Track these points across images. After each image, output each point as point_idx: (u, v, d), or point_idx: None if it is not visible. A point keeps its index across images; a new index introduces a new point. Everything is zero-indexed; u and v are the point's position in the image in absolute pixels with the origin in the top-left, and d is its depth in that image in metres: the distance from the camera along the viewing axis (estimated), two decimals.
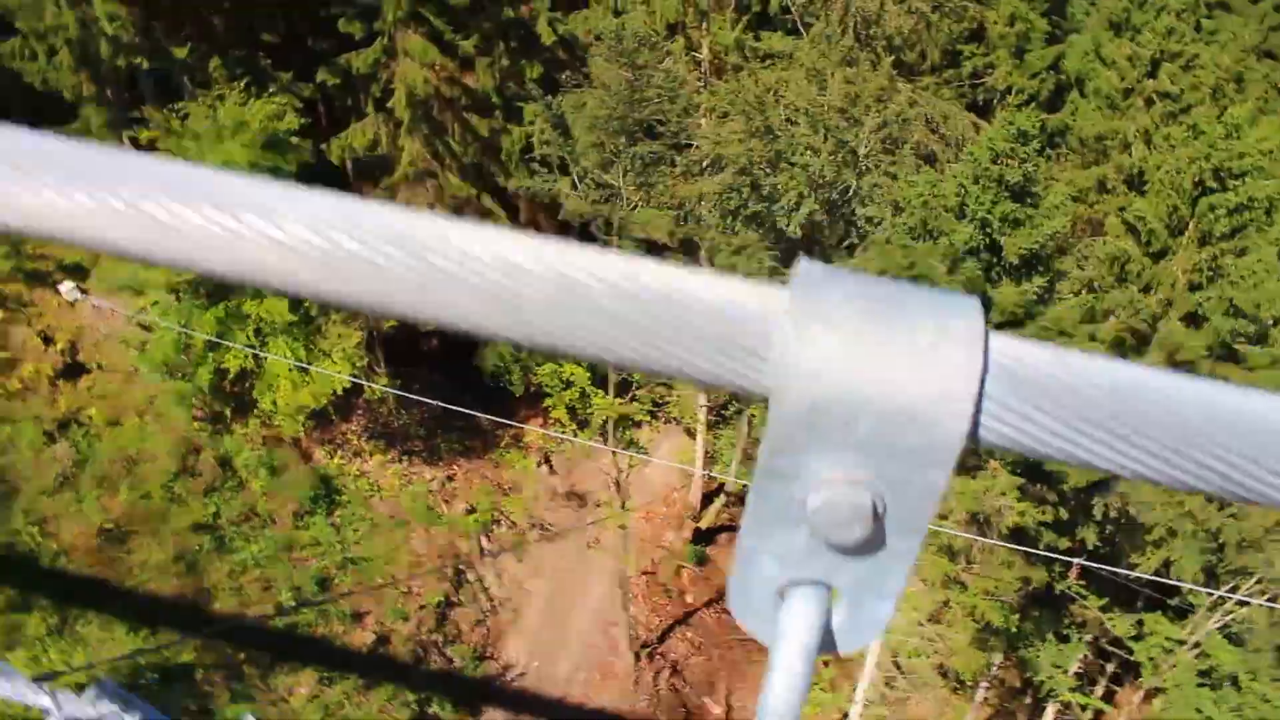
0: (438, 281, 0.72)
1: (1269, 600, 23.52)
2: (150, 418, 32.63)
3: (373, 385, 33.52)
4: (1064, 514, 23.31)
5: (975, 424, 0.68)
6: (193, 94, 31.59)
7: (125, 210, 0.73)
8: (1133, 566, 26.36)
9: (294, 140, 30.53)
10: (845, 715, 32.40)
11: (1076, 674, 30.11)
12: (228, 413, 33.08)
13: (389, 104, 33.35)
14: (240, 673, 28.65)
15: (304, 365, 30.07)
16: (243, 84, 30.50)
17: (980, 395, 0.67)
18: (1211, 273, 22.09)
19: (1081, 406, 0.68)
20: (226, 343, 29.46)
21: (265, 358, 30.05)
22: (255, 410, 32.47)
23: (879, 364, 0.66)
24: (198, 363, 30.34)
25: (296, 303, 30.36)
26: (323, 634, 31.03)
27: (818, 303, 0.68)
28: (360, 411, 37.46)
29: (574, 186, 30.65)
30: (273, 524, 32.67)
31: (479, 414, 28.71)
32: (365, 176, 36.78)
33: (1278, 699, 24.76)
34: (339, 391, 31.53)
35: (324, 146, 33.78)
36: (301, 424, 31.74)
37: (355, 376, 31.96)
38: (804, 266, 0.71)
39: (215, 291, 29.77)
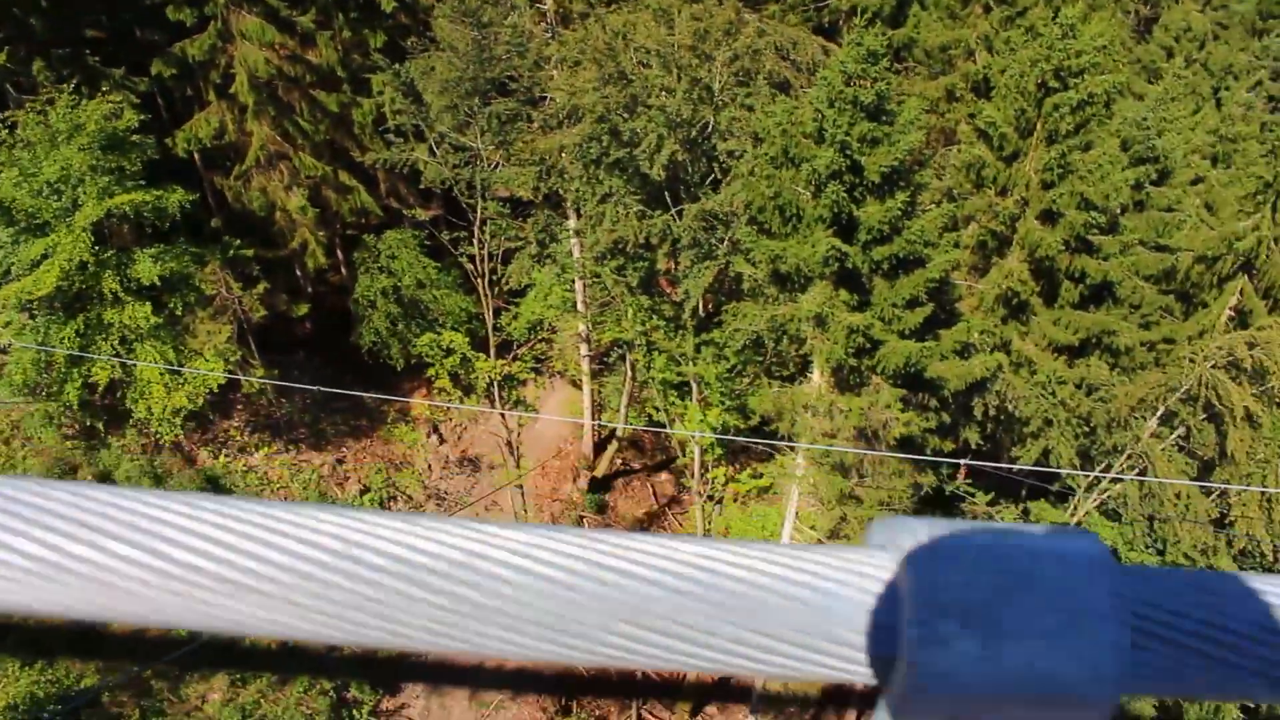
0: (474, 610, 0.62)
1: (1139, 474, 24.88)
2: (18, 443, 31.28)
3: (249, 378, 32.71)
4: (946, 418, 24.14)
5: (1123, 684, 0.63)
6: (19, 101, 30.04)
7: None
8: (1014, 459, 27.54)
9: (135, 138, 29.30)
10: None
11: None
12: (101, 426, 31.90)
13: (231, 89, 32.25)
14: (148, 689, 27.92)
15: (176, 368, 29.16)
16: (72, 85, 29.10)
17: (1128, 660, 0.63)
18: (1061, 170, 22.91)
19: (1230, 642, 0.65)
20: (90, 355, 28.35)
21: (134, 365, 29.04)
22: (130, 420, 31.41)
23: (1021, 655, 0.61)
24: (62, 379, 29.16)
25: (159, 304, 29.37)
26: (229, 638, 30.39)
27: (938, 591, 0.62)
28: (240, 406, 36.58)
29: (431, 153, 30.18)
30: None
31: (361, 393, 28.28)
32: (215, 166, 35.62)
33: (1152, 564, 26.22)
34: (215, 389, 30.70)
35: (168, 140, 32.53)
36: (180, 427, 30.82)
37: (230, 372, 31.16)
38: (907, 541, 0.64)
39: (71, 304, 28.61)
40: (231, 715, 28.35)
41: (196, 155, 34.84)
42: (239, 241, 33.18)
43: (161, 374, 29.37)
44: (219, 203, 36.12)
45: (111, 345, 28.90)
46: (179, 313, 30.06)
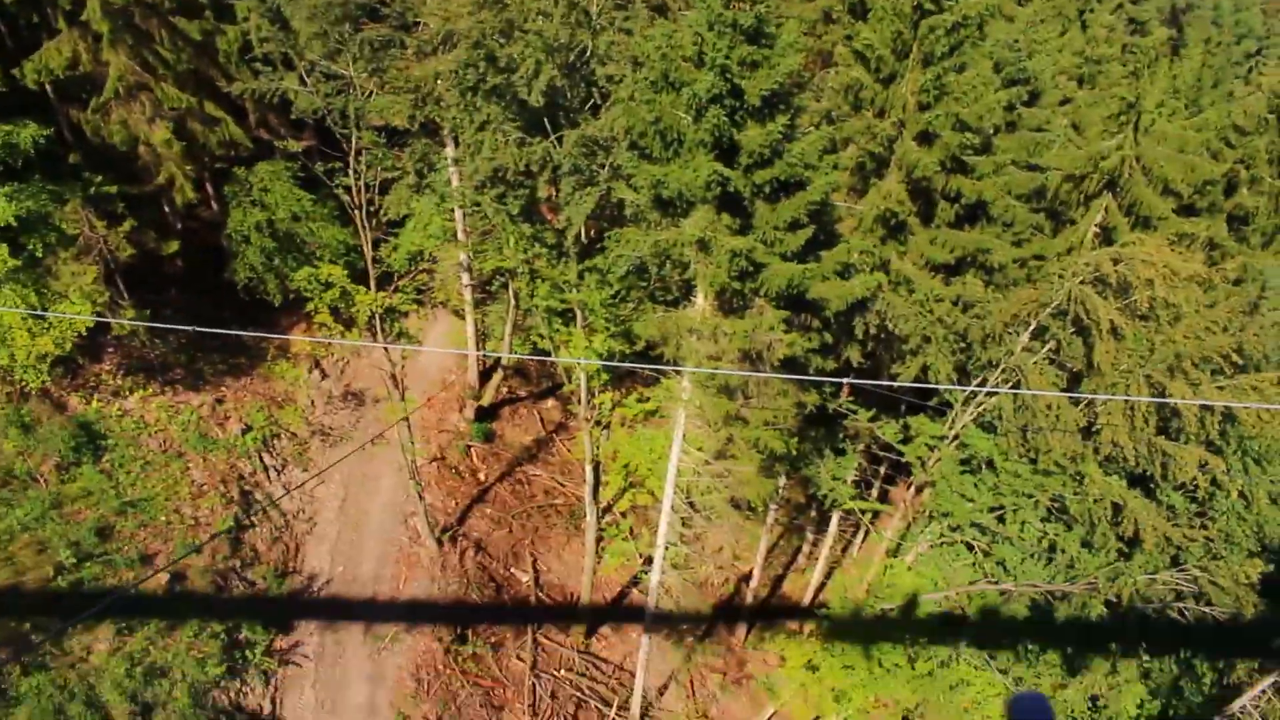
0: None
1: (1013, 387, 25.78)
2: None
3: (119, 320, 31.54)
4: (829, 338, 24.58)
5: None
6: None
7: None
8: (894, 376, 28.27)
9: None
10: (649, 559, 33.83)
11: (854, 482, 32.31)
12: None
13: (83, 16, 30.51)
14: (28, 643, 27.16)
15: (39, 312, 27.97)
16: None
17: None
18: (937, 91, 23.26)
19: None
20: None
21: None
22: None
23: None
24: None
25: (17, 246, 28.05)
26: (113, 584, 29.68)
27: None
28: (111, 349, 35.32)
29: (302, 81, 29.12)
30: (35, 483, 30.69)
31: (238, 331, 27.51)
32: (71, 99, 33.86)
33: (1025, 472, 27.38)
34: (83, 332, 29.58)
35: (16, 72, 30.71)
36: (47, 373, 29.66)
37: (98, 314, 30.02)
38: None
39: None
40: (119, 664, 27.79)
41: (49, 87, 33.03)
42: (101, 178, 31.75)
43: (24, 318, 28.17)
44: (77, 137, 34.40)
45: None
46: (39, 254, 28.76)
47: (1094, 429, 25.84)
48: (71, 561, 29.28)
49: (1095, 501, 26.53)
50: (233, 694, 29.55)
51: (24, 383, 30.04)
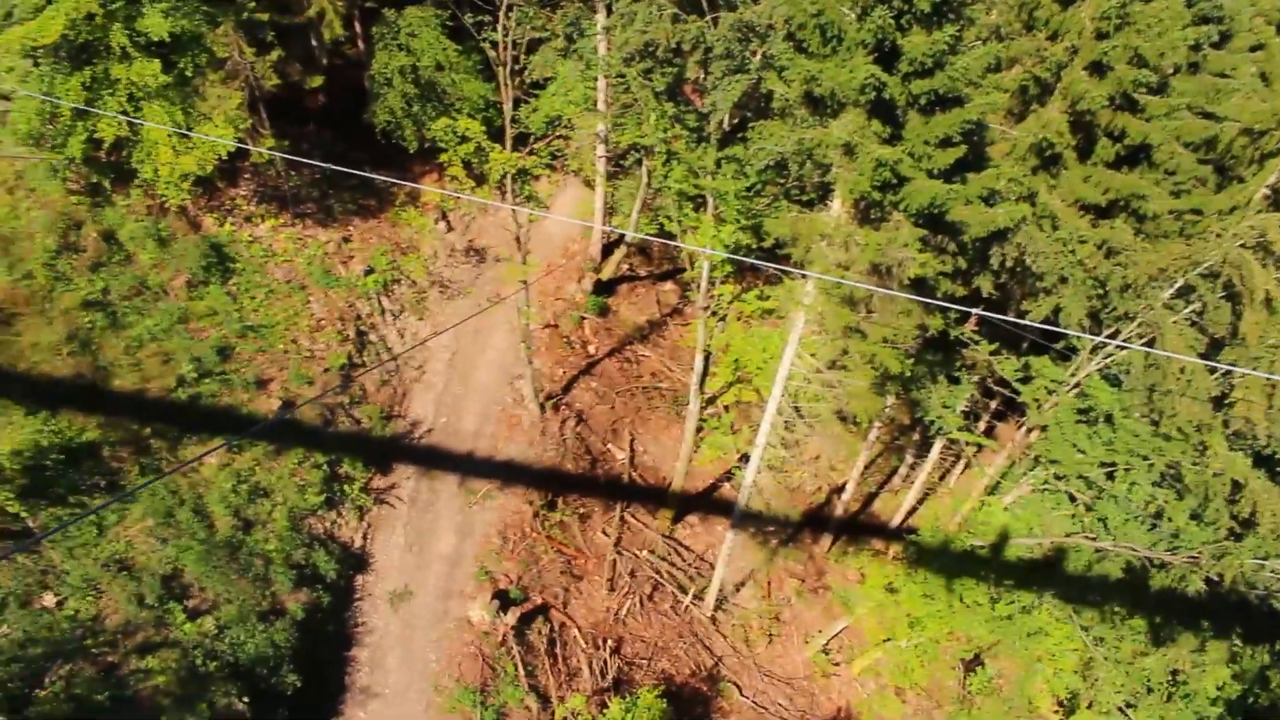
0: None
1: (1146, 344, 24.63)
2: (21, 193, 30.91)
3: (259, 149, 32.02)
4: (962, 263, 23.72)
5: None
6: None
7: None
8: (1023, 313, 27.26)
9: None
10: (745, 456, 33.81)
11: (963, 413, 31.59)
12: (107, 184, 31.48)
13: None
14: (147, 446, 28.46)
15: (184, 131, 28.48)
16: None
17: None
18: (1120, 20, 21.77)
19: None
20: (97, 110, 27.62)
21: (142, 124, 28.34)
22: (136, 180, 30.96)
23: None
24: (67, 132, 28.60)
25: (169, 64, 28.45)
26: (227, 403, 30.81)
27: None
28: (248, 175, 36.03)
29: None
30: (166, 296, 31.78)
31: (371, 175, 27.68)
32: None
33: (1145, 433, 26.34)
34: (224, 156, 30.10)
35: None
36: (187, 191, 30.39)
37: (240, 139, 30.49)
38: None
39: (78, 55, 27.63)
40: (226, 480, 29.02)
41: None
42: (253, 4, 31.90)
43: (169, 135, 28.75)
44: None
45: (119, 102, 28.18)
46: (189, 74, 29.16)
47: (1227, 401, 24.63)
48: (193, 376, 30.43)
49: (1214, 475, 25.44)
50: (328, 524, 30.73)
51: (164, 198, 30.86)
